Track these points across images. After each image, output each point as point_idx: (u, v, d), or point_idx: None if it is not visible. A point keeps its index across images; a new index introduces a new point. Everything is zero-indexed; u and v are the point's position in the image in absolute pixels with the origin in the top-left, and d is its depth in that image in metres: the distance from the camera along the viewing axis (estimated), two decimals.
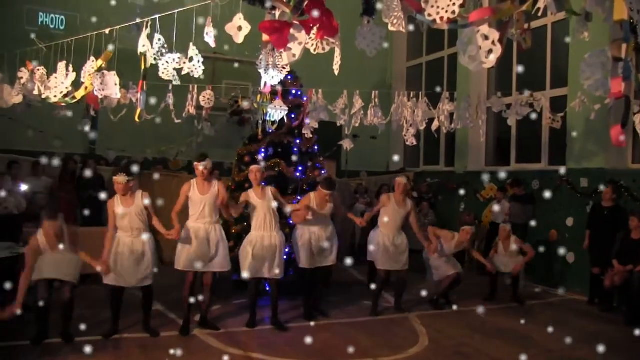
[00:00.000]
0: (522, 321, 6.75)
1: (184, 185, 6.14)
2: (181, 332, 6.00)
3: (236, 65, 10.38)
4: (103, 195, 6.93)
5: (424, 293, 7.36)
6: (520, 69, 9.64)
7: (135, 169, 10.25)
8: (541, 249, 8.64)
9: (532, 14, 3.61)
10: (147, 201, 5.78)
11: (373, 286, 7.20)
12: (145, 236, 5.79)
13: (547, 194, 8.51)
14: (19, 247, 6.30)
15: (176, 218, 5.97)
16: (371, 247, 7.21)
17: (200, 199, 6.02)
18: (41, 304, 5.35)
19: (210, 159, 6.10)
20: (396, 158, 12.20)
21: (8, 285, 5.19)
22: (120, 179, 5.68)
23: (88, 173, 8.84)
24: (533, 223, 8.90)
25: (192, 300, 6.03)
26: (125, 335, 5.85)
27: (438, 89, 9.55)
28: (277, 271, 6.27)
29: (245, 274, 6.24)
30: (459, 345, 5.97)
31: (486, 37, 3.19)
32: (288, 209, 6.50)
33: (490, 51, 3.19)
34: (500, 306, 7.71)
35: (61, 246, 5.45)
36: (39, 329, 5.52)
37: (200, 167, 6.01)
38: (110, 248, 5.70)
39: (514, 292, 8.00)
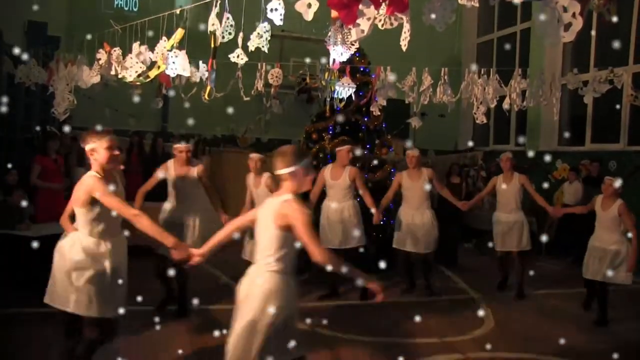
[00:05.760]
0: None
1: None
2: None
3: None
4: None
5: None
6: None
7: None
8: None
9: None
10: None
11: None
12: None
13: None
14: None
15: (140, 201, 5.73)
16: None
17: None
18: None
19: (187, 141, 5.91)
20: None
21: None
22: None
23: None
24: None
25: None
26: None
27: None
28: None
29: None
30: (526, 329, 5.83)
31: (565, 9, 3.03)
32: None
33: (569, 24, 3.04)
34: (572, 291, 7.46)
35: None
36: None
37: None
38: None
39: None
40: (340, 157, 6.56)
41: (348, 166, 6.55)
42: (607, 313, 6.06)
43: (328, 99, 7.43)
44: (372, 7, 3.70)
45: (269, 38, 4.83)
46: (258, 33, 4.72)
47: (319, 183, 6.54)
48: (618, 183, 5.88)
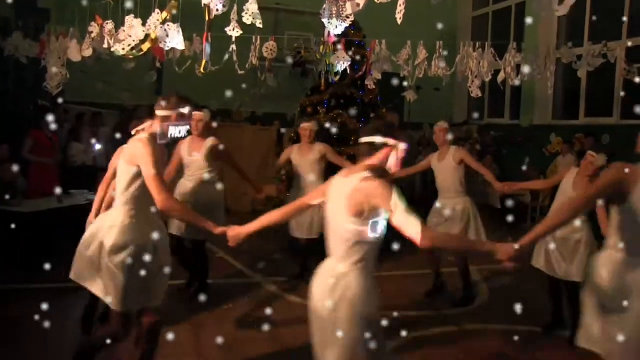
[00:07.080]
0: None
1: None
2: None
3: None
4: None
5: None
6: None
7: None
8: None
9: None
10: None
11: None
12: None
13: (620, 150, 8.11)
14: (93, 195, 6.57)
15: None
16: None
17: None
18: None
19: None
20: None
21: None
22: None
23: None
24: None
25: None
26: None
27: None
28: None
29: None
30: (521, 301, 5.85)
31: None
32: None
33: None
34: None
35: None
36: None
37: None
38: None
39: None
40: (194, 128, 5.30)
41: (210, 138, 5.48)
42: None
43: (323, 73, 7.39)
44: None
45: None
46: (253, 6, 4.68)
47: (176, 159, 5.46)
48: (601, 161, 4.47)
